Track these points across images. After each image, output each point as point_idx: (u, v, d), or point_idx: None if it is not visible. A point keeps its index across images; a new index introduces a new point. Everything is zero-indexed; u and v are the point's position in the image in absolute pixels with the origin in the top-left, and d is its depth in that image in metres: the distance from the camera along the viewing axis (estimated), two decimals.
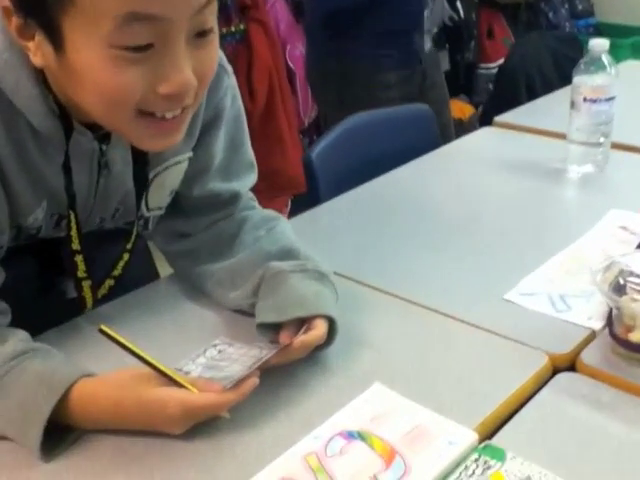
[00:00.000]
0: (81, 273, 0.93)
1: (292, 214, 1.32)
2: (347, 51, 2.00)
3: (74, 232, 0.91)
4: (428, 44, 2.12)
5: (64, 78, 0.78)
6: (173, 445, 0.79)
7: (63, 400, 0.77)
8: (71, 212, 0.89)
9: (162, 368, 0.78)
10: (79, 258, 0.93)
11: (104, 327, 0.77)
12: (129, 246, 0.98)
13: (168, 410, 0.76)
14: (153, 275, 1.21)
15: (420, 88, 2.08)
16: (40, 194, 0.88)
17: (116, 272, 0.99)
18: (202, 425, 0.80)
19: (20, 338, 0.84)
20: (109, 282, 0.99)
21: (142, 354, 0.78)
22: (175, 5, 0.72)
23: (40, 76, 0.80)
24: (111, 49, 0.72)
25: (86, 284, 0.95)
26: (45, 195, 0.89)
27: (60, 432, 0.78)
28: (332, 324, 0.89)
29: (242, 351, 0.89)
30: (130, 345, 0.78)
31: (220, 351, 0.91)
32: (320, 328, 0.87)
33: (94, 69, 0.74)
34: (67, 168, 0.86)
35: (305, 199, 1.56)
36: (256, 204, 1.11)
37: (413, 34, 2.04)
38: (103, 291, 0.99)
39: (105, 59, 0.72)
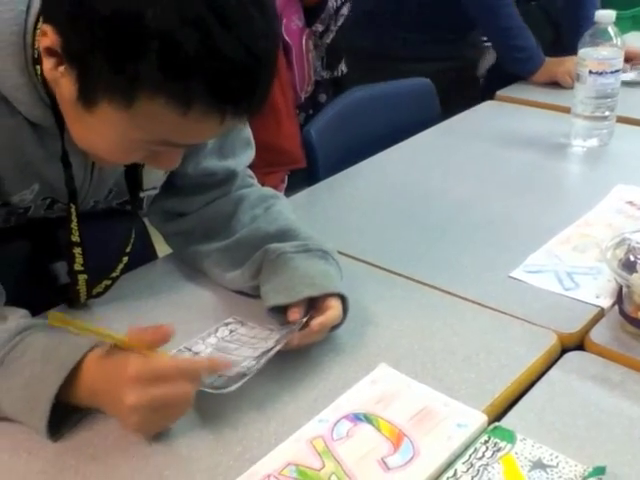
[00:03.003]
0: (78, 266, 0.91)
1: (291, 191, 1.29)
2: (385, 33, 1.89)
3: (74, 225, 0.88)
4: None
5: (71, 110, 0.75)
6: (175, 430, 0.77)
7: (73, 374, 0.74)
8: (72, 205, 0.87)
9: (123, 340, 0.75)
10: (77, 250, 0.90)
11: (51, 314, 0.76)
12: (128, 249, 0.96)
13: (128, 369, 0.72)
14: (151, 255, 1.19)
15: (449, 84, 1.89)
16: (30, 178, 0.86)
17: (114, 274, 0.96)
18: (203, 408, 0.78)
19: (21, 315, 0.82)
20: (106, 282, 0.96)
21: (95, 330, 0.76)
22: (203, 138, 0.81)
23: (31, 67, 0.76)
24: (129, 141, 0.75)
25: (82, 277, 0.92)
26: (36, 180, 0.87)
27: (65, 411, 0.76)
28: (342, 303, 0.87)
29: (253, 332, 0.89)
30: (84, 325, 0.76)
31: (232, 331, 0.90)
32: (336, 308, 0.86)
33: (104, 139, 0.75)
34: (66, 163, 0.84)
35: (304, 176, 1.53)
36: (254, 182, 1.08)
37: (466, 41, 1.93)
38: (99, 289, 0.96)
39: (118, 143, 0.75)
